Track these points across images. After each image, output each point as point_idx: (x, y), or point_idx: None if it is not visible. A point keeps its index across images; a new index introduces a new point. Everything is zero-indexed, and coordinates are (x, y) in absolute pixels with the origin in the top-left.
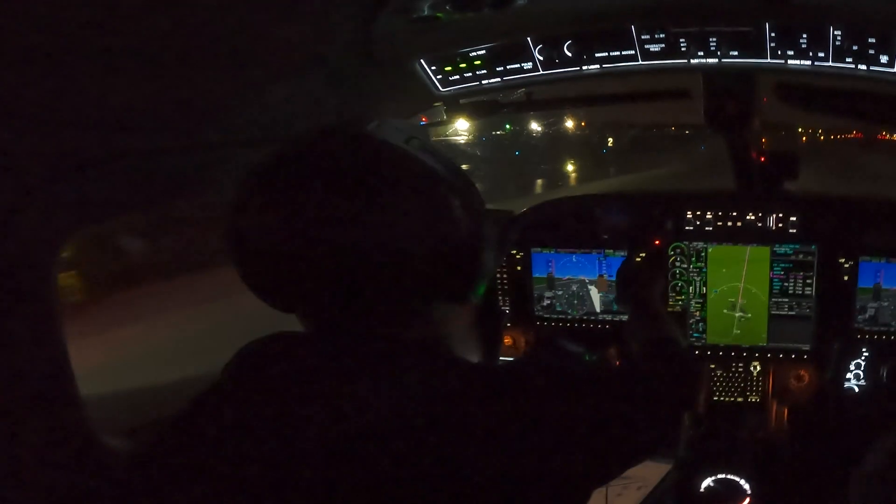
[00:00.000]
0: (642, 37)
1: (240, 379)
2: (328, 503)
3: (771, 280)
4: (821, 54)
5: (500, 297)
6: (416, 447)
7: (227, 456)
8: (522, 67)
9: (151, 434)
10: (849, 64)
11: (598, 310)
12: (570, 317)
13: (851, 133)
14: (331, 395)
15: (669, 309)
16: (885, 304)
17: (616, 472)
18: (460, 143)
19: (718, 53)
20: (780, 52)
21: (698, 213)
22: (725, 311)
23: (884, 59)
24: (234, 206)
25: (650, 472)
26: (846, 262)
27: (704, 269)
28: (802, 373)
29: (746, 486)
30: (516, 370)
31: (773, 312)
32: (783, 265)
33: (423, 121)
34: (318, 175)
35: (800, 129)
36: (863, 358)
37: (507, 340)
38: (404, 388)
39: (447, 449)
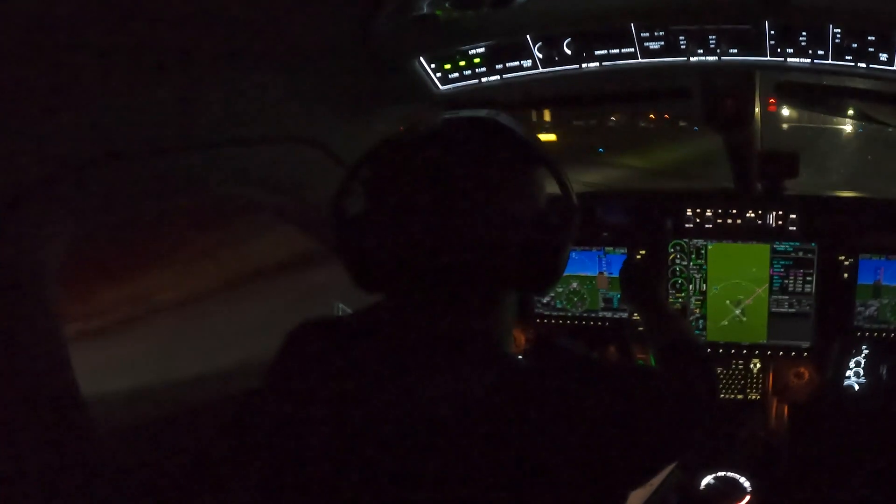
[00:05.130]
0: (642, 35)
1: (291, 361)
2: (378, 488)
3: (771, 277)
4: (820, 52)
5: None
6: (469, 439)
7: (284, 435)
8: (522, 66)
9: (214, 414)
10: (848, 62)
11: (599, 307)
12: (569, 314)
13: None
14: (389, 381)
15: None
16: (886, 301)
17: (649, 475)
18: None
19: (718, 52)
20: (779, 51)
21: (698, 210)
22: (728, 302)
23: (883, 56)
24: (344, 183)
25: None
26: (846, 260)
27: (704, 267)
28: (802, 370)
29: (746, 484)
30: (560, 371)
31: (773, 310)
32: (783, 263)
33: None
34: (444, 156)
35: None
36: (863, 355)
37: None
38: (464, 379)
39: (497, 443)
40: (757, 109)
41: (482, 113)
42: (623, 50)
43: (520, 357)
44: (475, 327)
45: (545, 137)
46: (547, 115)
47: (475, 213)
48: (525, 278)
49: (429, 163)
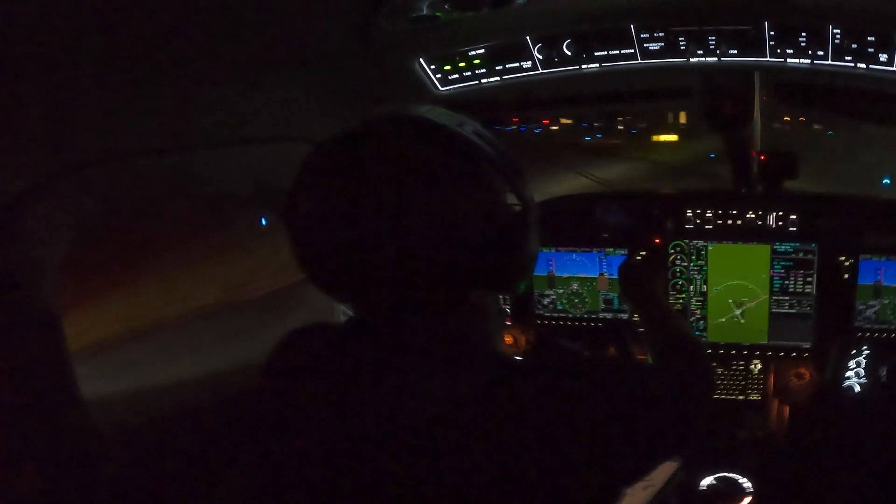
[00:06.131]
0: (641, 36)
1: (285, 366)
2: (364, 493)
3: (771, 278)
4: (820, 53)
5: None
6: (464, 439)
7: (271, 440)
8: (522, 66)
9: (200, 422)
10: (848, 62)
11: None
12: (570, 315)
13: None
14: (371, 387)
15: None
16: (886, 301)
17: (645, 472)
18: None
19: (718, 52)
20: (779, 51)
21: (698, 211)
22: (730, 301)
23: (883, 57)
24: (291, 191)
25: (656, 472)
26: (846, 260)
27: (705, 268)
28: (803, 371)
29: (747, 484)
30: (550, 368)
31: (773, 310)
32: (783, 263)
33: None
34: (375, 157)
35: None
36: (863, 356)
37: (508, 339)
38: (455, 381)
39: (492, 442)
40: (757, 110)
41: (418, 109)
42: (623, 51)
43: (518, 357)
44: (451, 328)
45: (665, 137)
46: (683, 118)
47: (408, 213)
48: (483, 276)
49: (353, 164)
